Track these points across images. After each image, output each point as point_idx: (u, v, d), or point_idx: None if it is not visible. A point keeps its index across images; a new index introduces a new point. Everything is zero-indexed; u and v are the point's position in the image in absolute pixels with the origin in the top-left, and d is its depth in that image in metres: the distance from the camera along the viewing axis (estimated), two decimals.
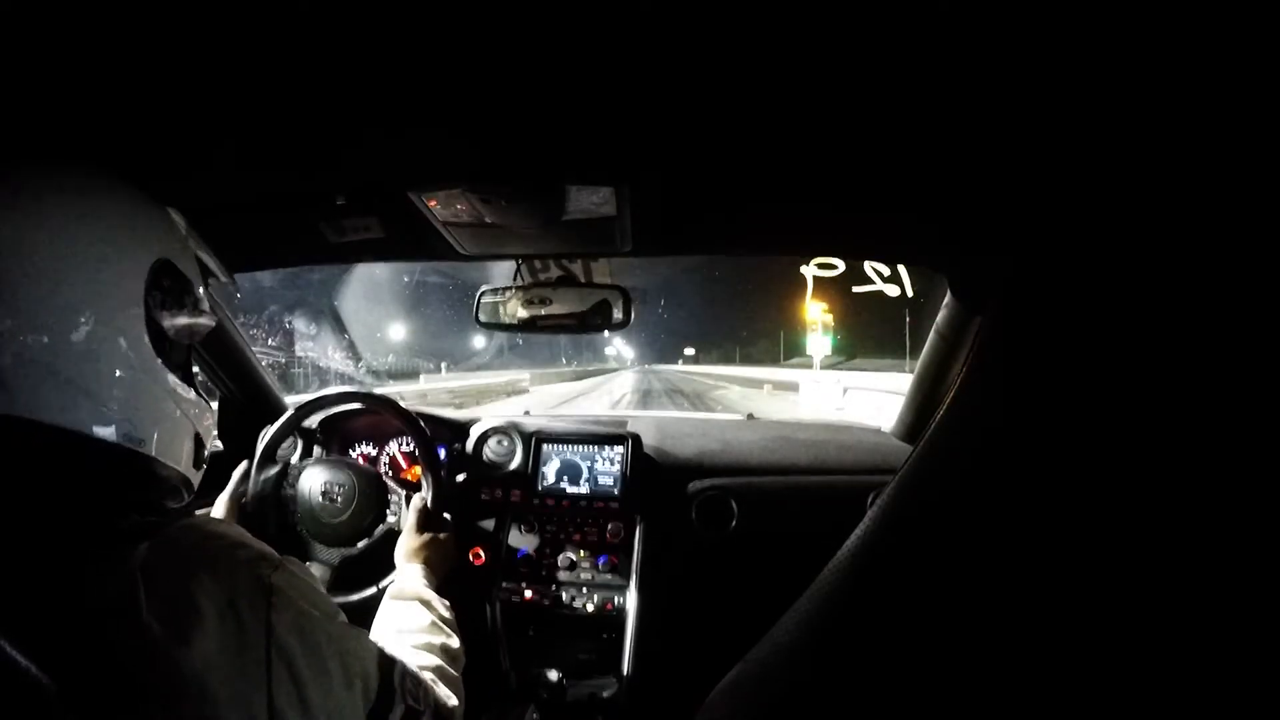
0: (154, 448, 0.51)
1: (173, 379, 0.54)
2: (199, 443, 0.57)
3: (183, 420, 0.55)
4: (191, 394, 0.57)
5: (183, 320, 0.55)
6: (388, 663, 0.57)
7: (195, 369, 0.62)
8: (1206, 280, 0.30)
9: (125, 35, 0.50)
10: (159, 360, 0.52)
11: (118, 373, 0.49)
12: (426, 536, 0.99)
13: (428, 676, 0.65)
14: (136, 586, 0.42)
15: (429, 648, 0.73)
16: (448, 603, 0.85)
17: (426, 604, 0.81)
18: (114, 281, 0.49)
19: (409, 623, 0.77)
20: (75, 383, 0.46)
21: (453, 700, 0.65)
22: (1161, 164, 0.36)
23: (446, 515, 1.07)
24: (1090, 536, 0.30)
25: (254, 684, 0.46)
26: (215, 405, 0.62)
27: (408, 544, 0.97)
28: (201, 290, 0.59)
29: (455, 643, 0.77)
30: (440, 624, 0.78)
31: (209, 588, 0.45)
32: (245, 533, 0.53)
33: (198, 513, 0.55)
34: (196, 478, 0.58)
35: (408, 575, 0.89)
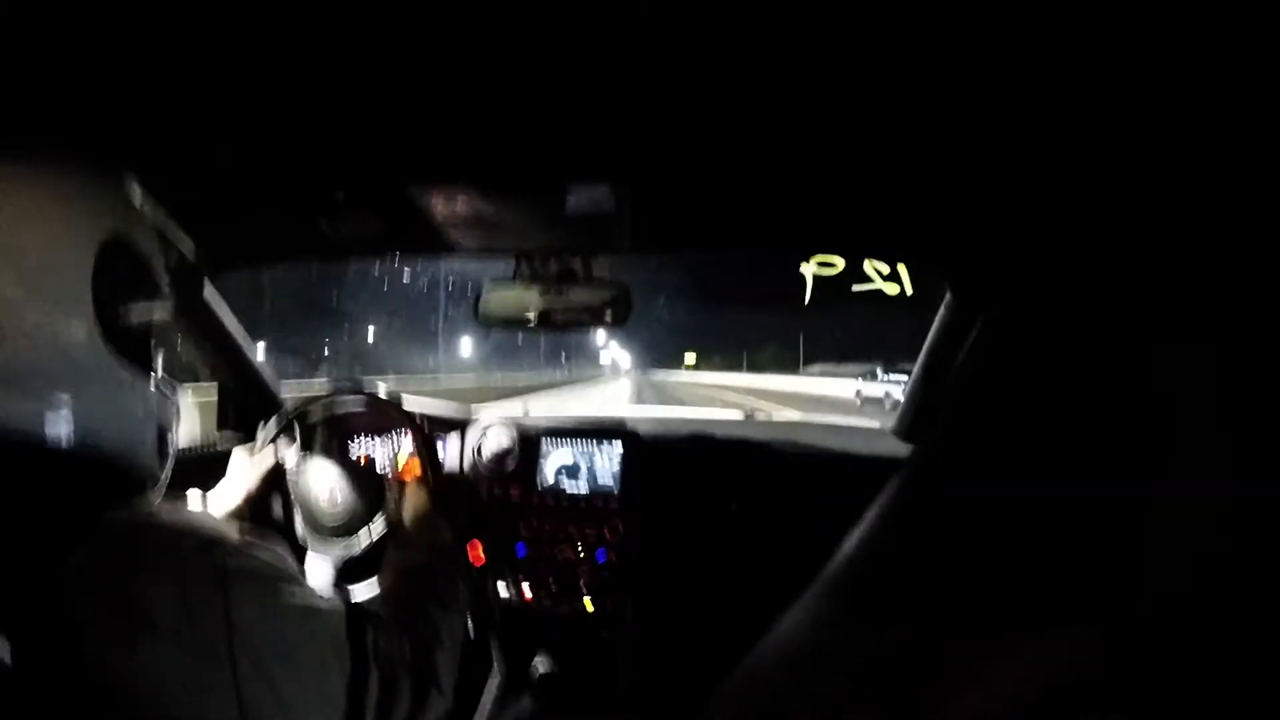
0: (106, 449, 0.47)
1: (127, 371, 0.49)
2: (161, 437, 0.53)
3: (139, 416, 0.51)
4: (151, 385, 0.53)
5: (137, 306, 0.51)
6: (357, 628, 0.54)
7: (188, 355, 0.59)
8: (1209, 279, 0.30)
9: (127, 24, 0.50)
10: (110, 350, 0.48)
11: (62, 367, 0.44)
12: (431, 489, 0.98)
13: (409, 619, 0.62)
14: (74, 589, 0.40)
15: (417, 590, 0.70)
16: (448, 542, 0.83)
17: (424, 547, 0.80)
18: (57, 263, 0.45)
19: (403, 568, 0.75)
20: (14, 380, 0.42)
21: (436, 647, 0.62)
22: (1162, 165, 0.35)
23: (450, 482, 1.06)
24: (1094, 535, 0.30)
25: (217, 682, 0.43)
26: (179, 399, 0.58)
27: (414, 498, 0.96)
28: (162, 270, 0.55)
29: (446, 582, 0.74)
30: (433, 565, 0.76)
31: (157, 584, 0.42)
32: (200, 516, 0.49)
33: (153, 500, 0.52)
34: (162, 474, 0.54)
35: (412, 529, 0.88)
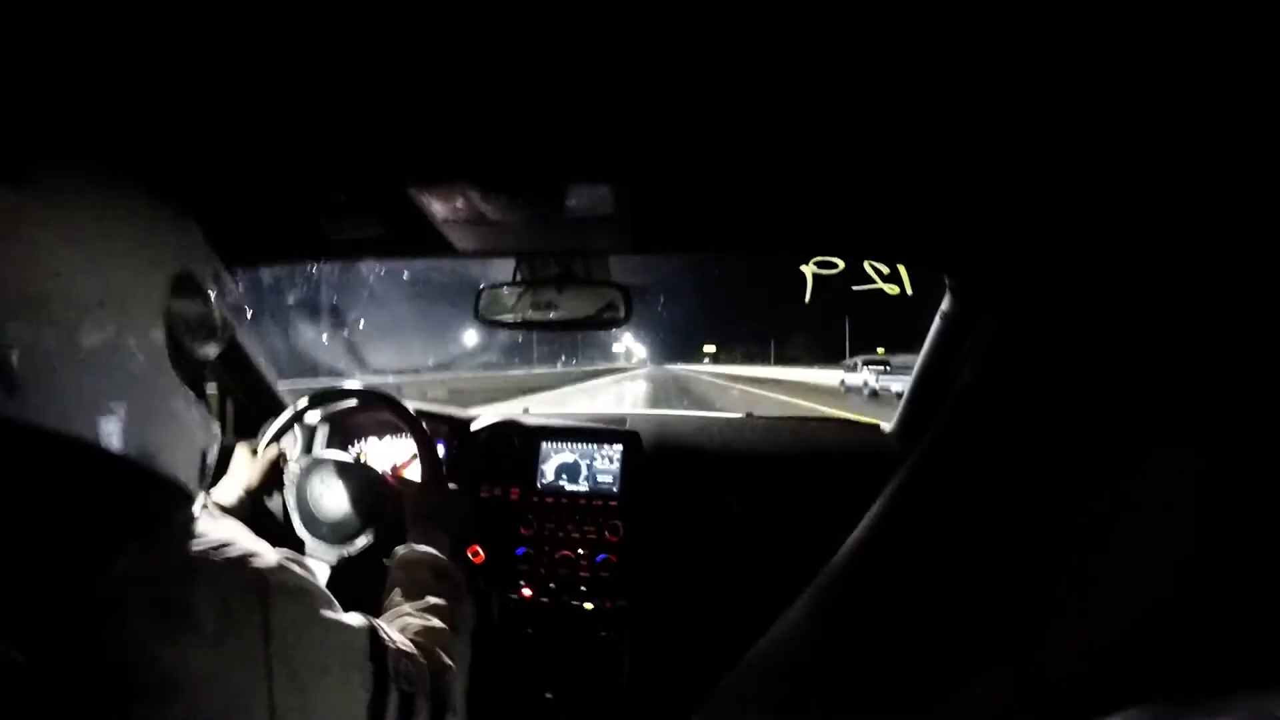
0: (161, 460, 0.50)
1: (188, 392, 0.53)
2: (204, 457, 0.56)
3: (193, 434, 0.54)
4: (202, 408, 0.56)
5: (201, 336, 0.54)
6: (380, 649, 0.56)
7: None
8: (1205, 278, 0.30)
9: (128, 28, 0.50)
10: (176, 372, 0.51)
11: (131, 382, 0.48)
12: (433, 497, 0.99)
13: (422, 641, 0.64)
14: (124, 593, 0.42)
15: (427, 611, 0.72)
16: (451, 564, 0.84)
17: (429, 566, 0.81)
18: (136, 288, 0.48)
19: (410, 587, 0.77)
20: (85, 389, 0.45)
21: (449, 670, 0.64)
22: (1160, 165, 0.36)
23: (452, 485, 1.07)
24: (1094, 531, 0.30)
25: (254, 689, 0.45)
26: (218, 424, 0.61)
27: (414, 508, 0.97)
28: (219, 303, 0.58)
29: (455, 605, 0.76)
30: (442, 589, 0.77)
31: (201, 592, 0.44)
32: (238, 528, 0.52)
33: (199, 511, 0.54)
34: (200, 493, 0.57)
35: (414, 538, 0.89)
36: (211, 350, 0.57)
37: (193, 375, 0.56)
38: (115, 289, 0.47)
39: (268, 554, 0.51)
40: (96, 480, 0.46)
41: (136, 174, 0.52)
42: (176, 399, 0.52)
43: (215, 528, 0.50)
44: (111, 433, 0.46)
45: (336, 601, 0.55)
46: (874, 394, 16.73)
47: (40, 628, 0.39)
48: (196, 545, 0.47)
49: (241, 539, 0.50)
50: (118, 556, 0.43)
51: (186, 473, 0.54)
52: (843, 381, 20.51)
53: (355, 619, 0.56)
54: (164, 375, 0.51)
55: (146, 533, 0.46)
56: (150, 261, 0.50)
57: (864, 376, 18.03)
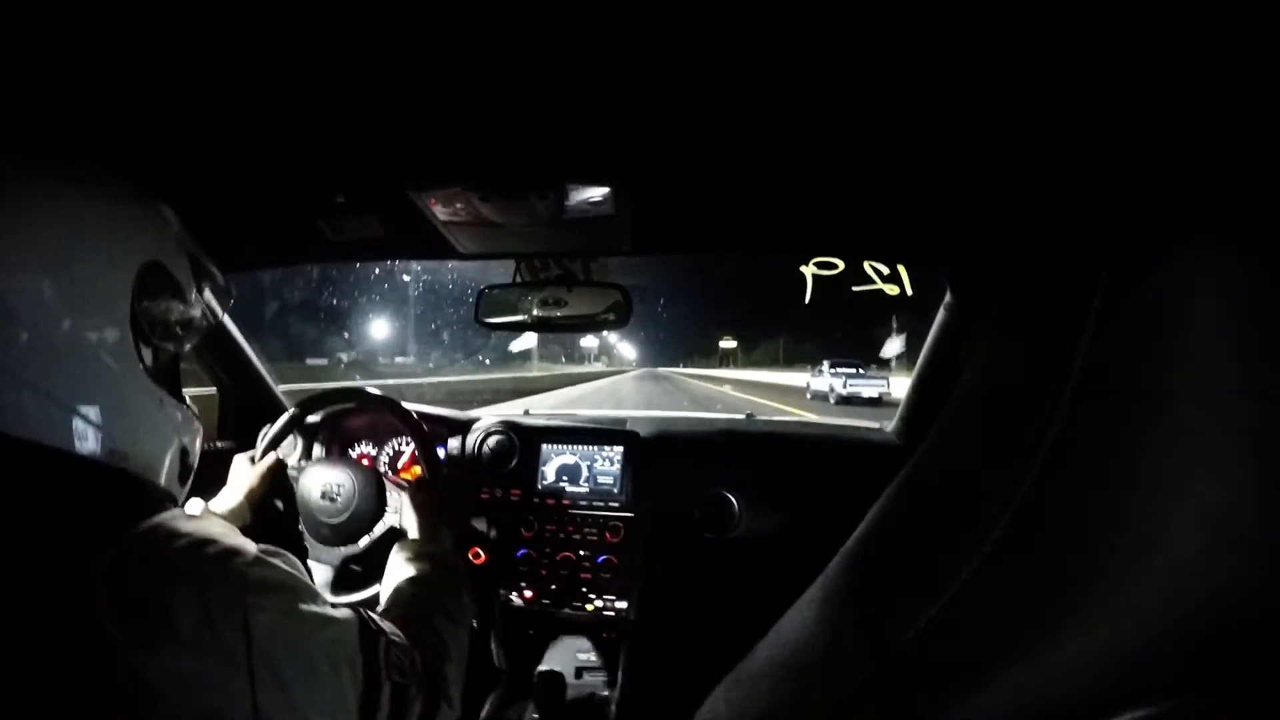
0: (134, 461, 0.49)
1: (158, 389, 0.52)
2: (184, 455, 0.55)
3: (166, 432, 0.53)
4: (177, 404, 0.55)
5: (171, 328, 0.53)
6: (370, 641, 0.54)
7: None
8: (1208, 277, 0.30)
9: (128, 29, 0.50)
10: (143, 369, 0.50)
11: (98, 382, 0.46)
12: (432, 490, 1.00)
13: (418, 630, 0.63)
14: (96, 595, 0.41)
15: (425, 603, 0.71)
16: (452, 553, 0.85)
17: (428, 556, 0.81)
18: (99, 285, 0.47)
19: (408, 577, 0.77)
20: (50, 392, 0.43)
21: (444, 659, 0.63)
22: (1163, 166, 0.36)
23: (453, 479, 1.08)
24: (1093, 531, 0.30)
25: (236, 690, 0.44)
26: (198, 419, 0.60)
27: (415, 505, 0.97)
28: (194, 295, 0.56)
29: (453, 596, 0.75)
30: (440, 579, 0.77)
31: (179, 592, 0.43)
32: (218, 526, 0.50)
33: (175, 510, 0.53)
34: (182, 491, 0.56)
35: (414, 530, 0.90)
36: (186, 344, 0.56)
37: (166, 370, 0.54)
38: (81, 287, 0.45)
39: (247, 551, 0.49)
40: (63, 483, 0.44)
41: (104, 160, 0.50)
42: (148, 397, 0.51)
43: (194, 526, 0.49)
44: (79, 434, 0.45)
45: (322, 595, 0.53)
46: (841, 400, 15.58)
47: (18, 633, 0.38)
48: (173, 546, 0.46)
49: (221, 537, 0.49)
50: (91, 560, 0.42)
51: (163, 472, 0.52)
52: (808, 385, 19.07)
53: (342, 612, 0.54)
54: (134, 374, 0.49)
55: (120, 535, 0.45)
56: (117, 255, 0.48)
57: (830, 382, 16.62)
